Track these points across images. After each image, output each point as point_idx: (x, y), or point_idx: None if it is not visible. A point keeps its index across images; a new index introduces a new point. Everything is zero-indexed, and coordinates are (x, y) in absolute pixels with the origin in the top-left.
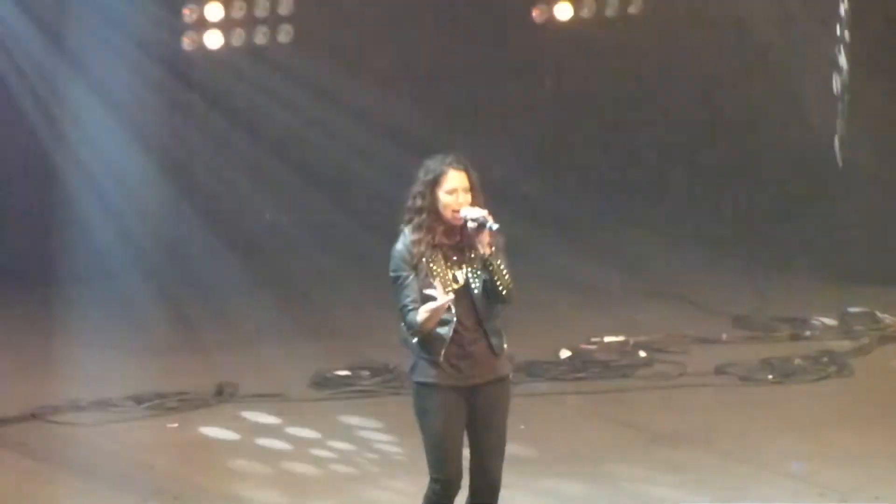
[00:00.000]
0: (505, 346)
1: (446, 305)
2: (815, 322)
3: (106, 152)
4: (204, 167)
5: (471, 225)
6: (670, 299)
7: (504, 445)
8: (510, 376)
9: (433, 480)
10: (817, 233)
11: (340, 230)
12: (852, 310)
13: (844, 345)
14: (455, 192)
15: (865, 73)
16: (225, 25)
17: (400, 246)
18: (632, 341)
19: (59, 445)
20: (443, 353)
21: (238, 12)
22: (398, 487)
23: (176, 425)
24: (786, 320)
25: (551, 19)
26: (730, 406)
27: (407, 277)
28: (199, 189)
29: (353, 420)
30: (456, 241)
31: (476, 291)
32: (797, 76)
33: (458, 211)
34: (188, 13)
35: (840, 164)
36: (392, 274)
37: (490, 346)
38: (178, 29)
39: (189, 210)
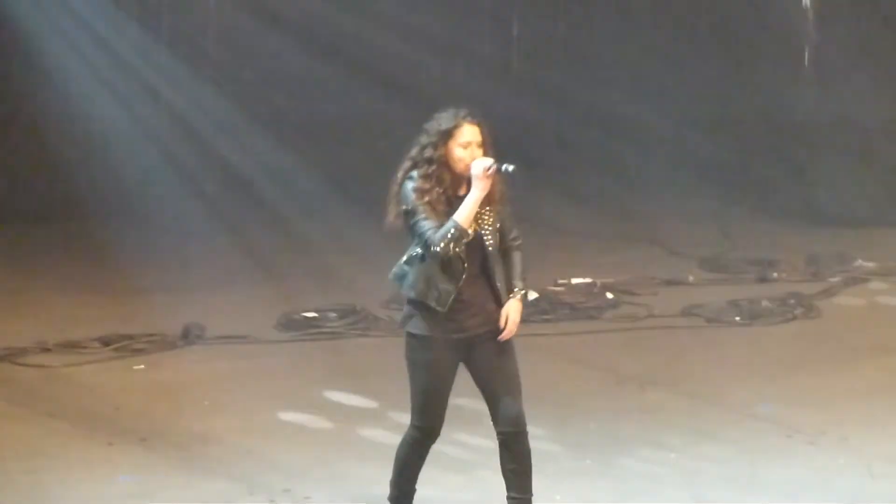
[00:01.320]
0: (520, 287)
1: (491, 168)
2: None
3: (74, 91)
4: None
5: (486, 172)
6: (638, 241)
7: (517, 384)
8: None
9: (414, 427)
10: (785, 176)
11: (309, 175)
12: (819, 251)
13: (811, 286)
14: (469, 145)
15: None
16: None
17: (414, 182)
18: (599, 283)
19: (27, 387)
20: (449, 303)
21: None
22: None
23: (143, 367)
24: (753, 262)
25: None
26: (697, 348)
27: (421, 206)
28: (169, 132)
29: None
30: (463, 194)
31: (488, 243)
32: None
33: (469, 165)
34: None
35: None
36: (406, 208)
37: (494, 297)
38: None
39: (158, 151)
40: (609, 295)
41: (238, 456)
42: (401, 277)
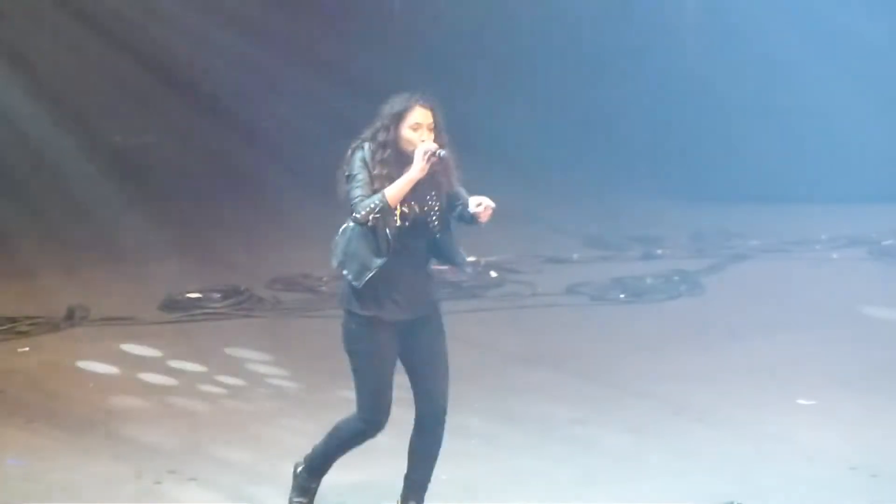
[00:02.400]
0: (458, 262)
1: (431, 154)
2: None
3: None
4: (80, 88)
5: (426, 156)
6: (521, 219)
7: (447, 370)
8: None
9: (361, 420)
10: (671, 150)
11: (189, 155)
12: (704, 227)
13: (696, 263)
14: (420, 127)
15: None
16: None
17: (362, 154)
18: (483, 261)
19: None
20: (365, 280)
21: None
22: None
23: (27, 349)
24: (638, 239)
25: None
26: (582, 326)
27: (360, 174)
28: (72, 108)
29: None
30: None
31: (433, 225)
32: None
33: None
34: None
35: None
36: (348, 173)
37: (428, 275)
38: None
39: (61, 130)
40: (493, 273)
41: (124, 438)
42: (335, 248)
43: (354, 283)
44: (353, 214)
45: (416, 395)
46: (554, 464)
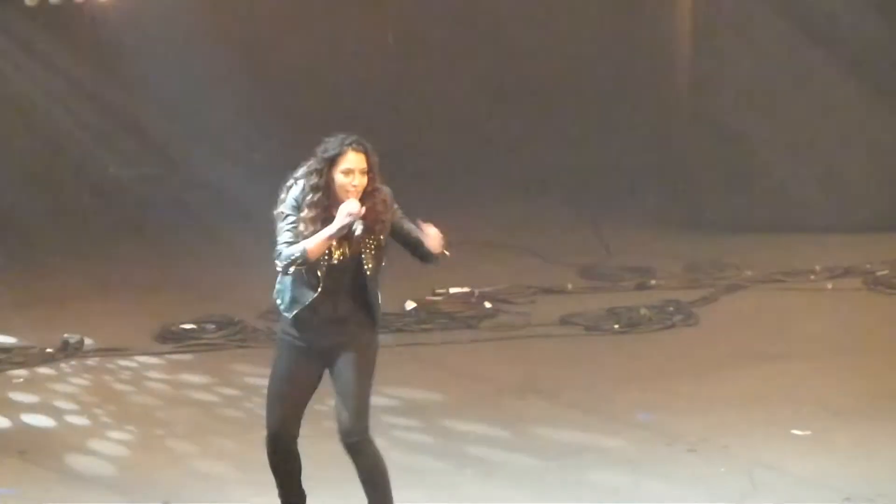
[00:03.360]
0: (377, 317)
1: (355, 216)
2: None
3: None
4: (47, 118)
5: (346, 215)
6: (514, 250)
7: (357, 395)
8: (372, 344)
9: (266, 424)
10: (662, 182)
11: (184, 185)
12: (697, 259)
13: (690, 294)
14: (351, 172)
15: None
16: None
17: (297, 193)
18: (477, 292)
19: None
20: (295, 313)
21: None
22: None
23: (21, 380)
24: (631, 270)
25: None
26: (576, 356)
27: (294, 219)
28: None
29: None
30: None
31: (366, 268)
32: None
33: (349, 193)
34: None
35: None
36: (279, 210)
37: (366, 314)
38: None
39: (36, 161)
40: (487, 304)
41: (118, 469)
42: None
43: (286, 313)
44: (276, 262)
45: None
46: (549, 495)
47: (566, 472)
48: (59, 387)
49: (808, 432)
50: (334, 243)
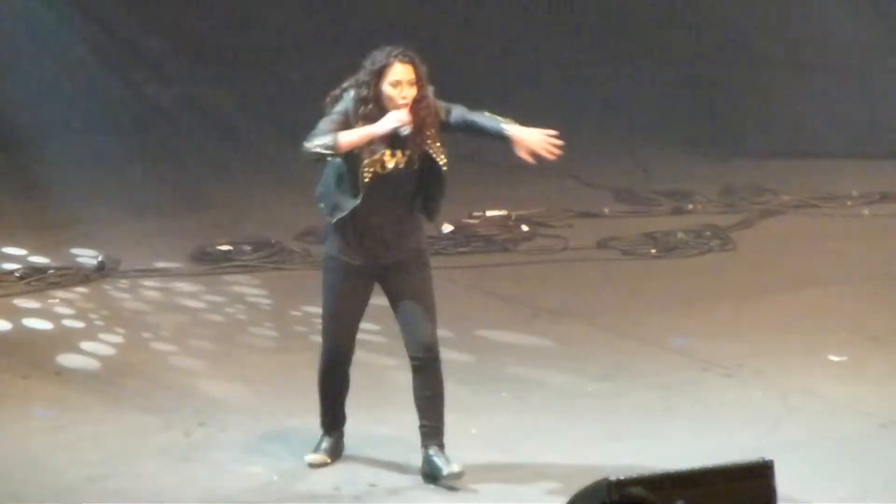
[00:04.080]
0: (434, 218)
1: (402, 123)
2: (697, 195)
3: None
4: (85, 42)
5: (394, 119)
6: (552, 173)
7: (431, 310)
8: (427, 257)
9: (324, 348)
10: (700, 106)
11: (223, 108)
12: (734, 183)
13: (727, 218)
14: (399, 84)
15: None
16: None
17: (345, 103)
18: (514, 215)
19: None
20: (336, 219)
21: None
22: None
23: (57, 300)
24: (668, 194)
25: None
26: (612, 280)
27: (336, 115)
28: (80, 65)
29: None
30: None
31: (441, 162)
32: None
33: (398, 106)
34: None
35: None
36: (327, 111)
37: (412, 226)
38: None
39: (69, 86)
40: (524, 227)
41: (154, 389)
42: (322, 197)
43: (327, 218)
44: (303, 143)
45: (403, 338)
46: (582, 418)
47: (600, 396)
48: (96, 307)
49: (844, 357)
50: (388, 153)
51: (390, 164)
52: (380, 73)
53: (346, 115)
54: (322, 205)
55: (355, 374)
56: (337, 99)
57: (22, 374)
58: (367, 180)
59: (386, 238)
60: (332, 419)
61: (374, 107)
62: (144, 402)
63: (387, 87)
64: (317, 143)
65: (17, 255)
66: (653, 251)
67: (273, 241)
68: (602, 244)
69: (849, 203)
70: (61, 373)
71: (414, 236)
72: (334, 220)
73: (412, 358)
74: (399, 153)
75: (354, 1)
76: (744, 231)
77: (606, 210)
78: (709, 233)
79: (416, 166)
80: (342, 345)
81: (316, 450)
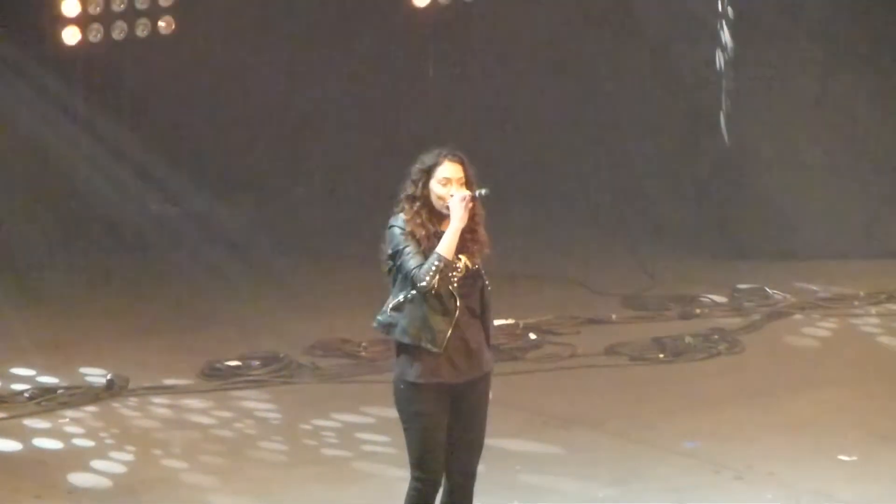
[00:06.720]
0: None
1: (467, 201)
2: (704, 299)
3: None
4: (86, 161)
5: (462, 202)
6: (558, 281)
7: (483, 440)
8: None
9: (416, 479)
10: (705, 211)
11: (226, 222)
12: (742, 286)
13: (734, 322)
14: (448, 182)
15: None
16: (105, 18)
17: (398, 224)
18: (521, 324)
19: None
20: (445, 342)
21: (118, 5)
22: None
23: (67, 420)
24: (675, 298)
25: None
26: (621, 386)
27: (408, 245)
28: (81, 184)
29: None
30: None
31: (487, 282)
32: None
33: (447, 202)
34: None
35: (726, 140)
36: (392, 250)
37: (486, 337)
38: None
39: (74, 205)
40: (532, 335)
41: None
42: (388, 325)
43: (435, 349)
44: (419, 285)
45: (449, 458)
46: None
47: (612, 502)
48: (106, 425)
49: (855, 458)
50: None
51: (460, 265)
52: (429, 172)
53: (409, 235)
54: (423, 342)
55: (370, 486)
56: (391, 226)
57: (34, 494)
58: (455, 285)
59: (469, 348)
60: None
61: (423, 206)
62: None
63: (435, 185)
64: (430, 271)
65: (25, 376)
66: (661, 356)
67: (281, 355)
68: (610, 350)
69: (855, 303)
70: (73, 492)
71: (486, 352)
72: (443, 346)
73: (452, 481)
74: (465, 256)
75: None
76: (752, 333)
77: (614, 316)
78: (716, 336)
79: (481, 273)
80: (437, 472)
81: None
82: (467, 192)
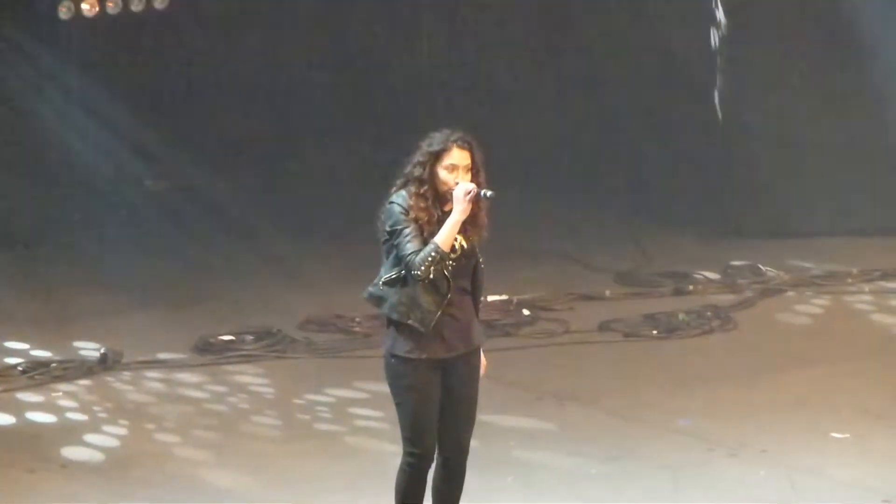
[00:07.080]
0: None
1: (472, 196)
2: (698, 276)
3: None
4: (81, 136)
5: (466, 197)
6: (553, 257)
7: (475, 414)
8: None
9: (408, 454)
10: (699, 187)
11: (220, 196)
12: (735, 263)
13: (728, 298)
14: (455, 169)
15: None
16: None
17: (399, 202)
18: (515, 300)
19: None
20: (433, 322)
21: None
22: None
23: (61, 394)
24: (669, 275)
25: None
26: (615, 363)
27: (408, 226)
28: (77, 158)
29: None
30: (449, 210)
31: (481, 260)
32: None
33: (452, 188)
34: None
35: (720, 117)
36: (390, 228)
37: (476, 313)
38: None
39: (69, 178)
40: (525, 311)
41: (160, 480)
42: (378, 298)
43: (422, 328)
44: (413, 273)
45: (441, 432)
46: (589, 501)
47: (606, 478)
48: (100, 400)
49: (847, 435)
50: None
51: (457, 246)
52: (437, 156)
53: (411, 219)
54: (411, 320)
55: (363, 461)
56: (391, 204)
57: (28, 468)
58: (451, 267)
59: (458, 325)
60: None
61: (429, 188)
62: (150, 494)
63: (442, 171)
64: (426, 260)
65: (19, 350)
66: (654, 332)
67: (275, 330)
68: (604, 327)
69: (849, 280)
70: (67, 466)
71: (476, 328)
72: (431, 326)
73: (445, 456)
74: (462, 236)
75: (352, 92)
76: (745, 311)
77: (607, 292)
78: (710, 313)
79: (476, 252)
80: (428, 446)
81: None
82: (473, 186)
